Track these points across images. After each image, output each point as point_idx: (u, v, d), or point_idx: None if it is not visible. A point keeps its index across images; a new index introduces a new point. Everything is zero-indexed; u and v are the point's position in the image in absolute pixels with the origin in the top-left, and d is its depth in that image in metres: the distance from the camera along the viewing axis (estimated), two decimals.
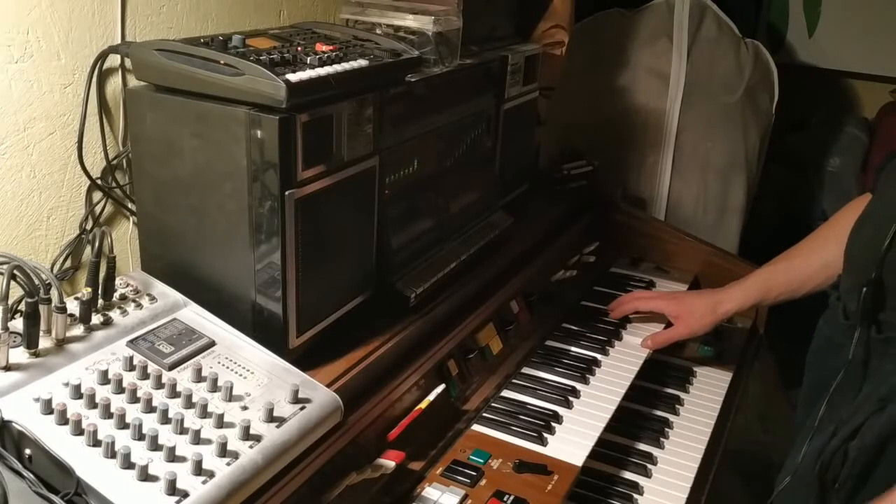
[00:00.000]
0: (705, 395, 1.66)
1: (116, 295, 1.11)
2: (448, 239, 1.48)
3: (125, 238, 1.34)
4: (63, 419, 0.90)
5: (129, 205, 1.31)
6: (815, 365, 1.44)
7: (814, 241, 1.58)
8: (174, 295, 1.14)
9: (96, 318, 1.05)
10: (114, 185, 1.29)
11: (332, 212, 1.16)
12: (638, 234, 2.08)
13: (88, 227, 1.26)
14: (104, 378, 0.96)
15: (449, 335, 1.39)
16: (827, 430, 1.30)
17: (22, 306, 0.96)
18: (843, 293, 1.33)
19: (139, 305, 1.10)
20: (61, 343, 1.00)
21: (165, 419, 0.94)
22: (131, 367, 0.99)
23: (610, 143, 2.37)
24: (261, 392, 1.02)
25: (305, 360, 1.14)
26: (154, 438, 0.90)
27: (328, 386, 1.09)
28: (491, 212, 1.63)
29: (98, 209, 1.29)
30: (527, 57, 1.73)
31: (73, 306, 1.03)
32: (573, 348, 1.64)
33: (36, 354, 0.97)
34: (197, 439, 0.92)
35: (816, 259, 1.53)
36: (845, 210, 1.52)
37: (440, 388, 1.31)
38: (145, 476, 0.86)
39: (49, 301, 0.98)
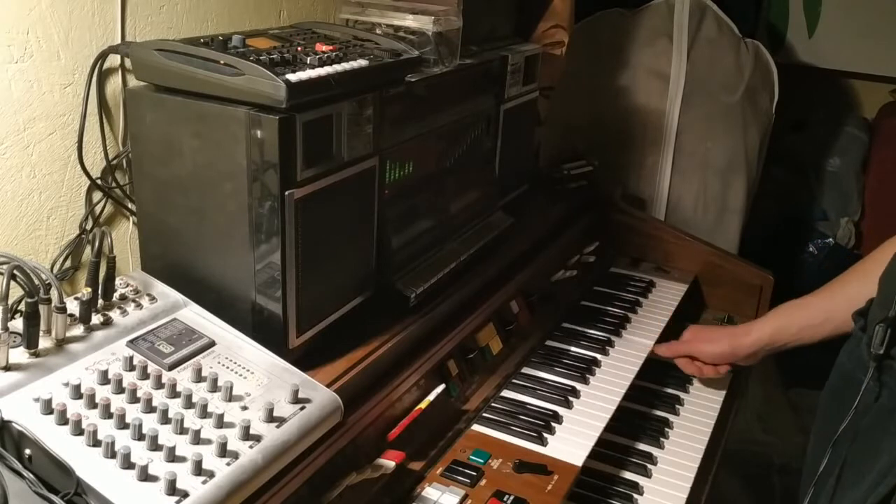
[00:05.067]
0: (705, 395, 1.66)
1: (116, 295, 1.11)
2: (448, 239, 1.48)
3: (125, 238, 1.34)
4: (63, 419, 0.90)
5: (129, 205, 1.32)
6: (833, 403, 1.33)
7: (840, 279, 1.51)
8: (174, 295, 1.14)
9: (96, 318, 1.05)
10: (114, 185, 1.29)
11: (332, 212, 1.16)
12: (638, 234, 2.08)
13: (88, 227, 1.27)
14: (104, 378, 0.96)
15: (449, 335, 1.39)
16: (858, 483, 1.20)
17: (22, 306, 0.96)
18: (871, 324, 1.25)
19: (139, 305, 1.10)
20: (61, 343, 1.00)
21: (165, 419, 0.94)
22: (131, 367, 0.99)
23: (610, 144, 2.37)
24: (261, 392, 1.02)
25: (305, 360, 1.14)
26: (154, 438, 0.90)
27: (328, 386, 1.09)
28: (491, 212, 1.63)
29: (98, 209, 1.29)
30: (527, 57, 1.73)
31: (73, 306, 1.03)
32: (573, 348, 1.64)
33: (36, 354, 0.97)
34: (197, 439, 0.92)
35: (840, 294, 1.45)
36: (880, 249, 1.43)
37: (440, 388, 1.31)
38: (145, 476, 0.86)
39: (49, 301, 0.98)
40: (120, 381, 0.96)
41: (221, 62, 1.06)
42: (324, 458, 1.06)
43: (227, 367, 1.05)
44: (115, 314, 1.07)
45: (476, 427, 1.36)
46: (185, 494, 0.86)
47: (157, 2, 1.30)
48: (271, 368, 1.07)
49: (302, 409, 1.02)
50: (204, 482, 0.88)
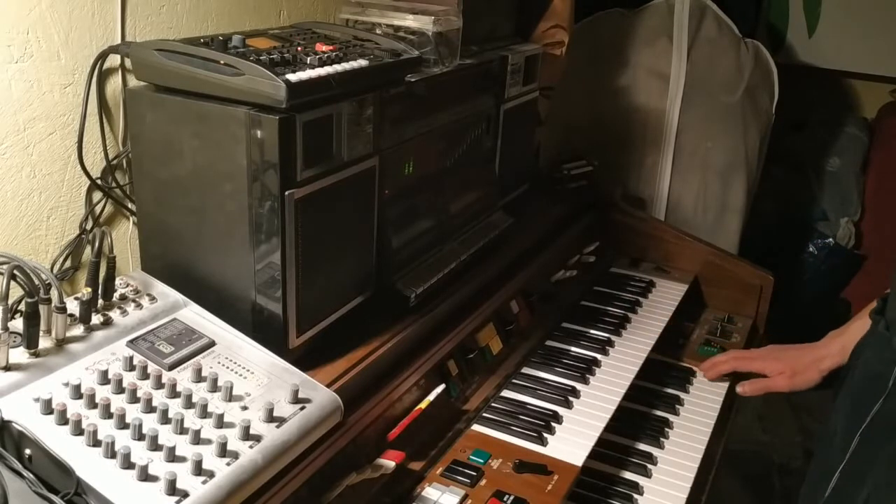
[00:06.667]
0: (705, 395, 1.66)
1: (116, 295, 1.11)
2: (448, 239, 1.48)
3: (125, 238, 1.34)
4: (63, 419, 0.90)
5: (129, 205, 1.32)
6: (860, 399, 1.31)
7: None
8: (174, 295, 1.14)
9: (96, 318, 1.05)
10: (114, 185, 1.29)
11: (332, 212, 1.16)
12: (638, 234, 2.08)
13: (88, 227, 1.27)
14: (104, 378, 0.96)
15: (449, 335, 1.39)
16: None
17: (22, 306, 0.96)
18: (892, 321, 1.26)
19: (139, 305, 1.10)
20: (61, 343, 1.00)
21: (165, 419, 0.94)
22: (131, 367, 0.99)
23: (610, 143, 2.37)
24: (261, 392, 1.02)
25: (305, 360, 1.14)
26: (154, 438, 0.90)
27: (328, 386, 1.09)
28: (491, 212, 1.63)
29: (98, 209, 1.29)
30: (527, 57, 1.73)
31: (73, 306, 1.03)
32: (573, 348, 1.64)
33: (36, 354, 0.97)
34: (197, 439, 0.92)
35: None
36: None
37: (440, 388, 1.31)
38: (145, 476, 0.86)
39: (49, 301, 0.98)
40: (120, 381, 0.96)
41: (221, 62, 1.06)
42: (324, 458, 1.06)
43: (227, 367, 1.05)
44: (115, 314, 1.07)
45: (476, 427, 1.36)
46: (185, 494, 0.86)
47: (157, 2, 1.30)
48: (271, 368, 1.07)
49: (302, 409, 1.02)
50: (204, 482, 0.88)
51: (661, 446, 1.48)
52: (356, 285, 1.26)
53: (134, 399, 0.95)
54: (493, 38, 1.71)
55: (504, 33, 1.78)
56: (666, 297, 1.90)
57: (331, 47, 1.19)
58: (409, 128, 1.36)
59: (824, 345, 1.58)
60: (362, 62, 1.16)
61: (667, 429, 1.53)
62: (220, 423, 0.95)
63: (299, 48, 1.17)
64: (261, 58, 1.06)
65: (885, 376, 1.25)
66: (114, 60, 1.25)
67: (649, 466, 1.42)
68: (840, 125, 3.15)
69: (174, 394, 0.98)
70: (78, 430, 0.89)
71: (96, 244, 1.06)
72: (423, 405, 1.27)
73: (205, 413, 0.96)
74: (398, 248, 1.33)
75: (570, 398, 1.46)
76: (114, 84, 1.27)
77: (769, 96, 2.52)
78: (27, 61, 1.14)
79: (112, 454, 0.87)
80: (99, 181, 1.27)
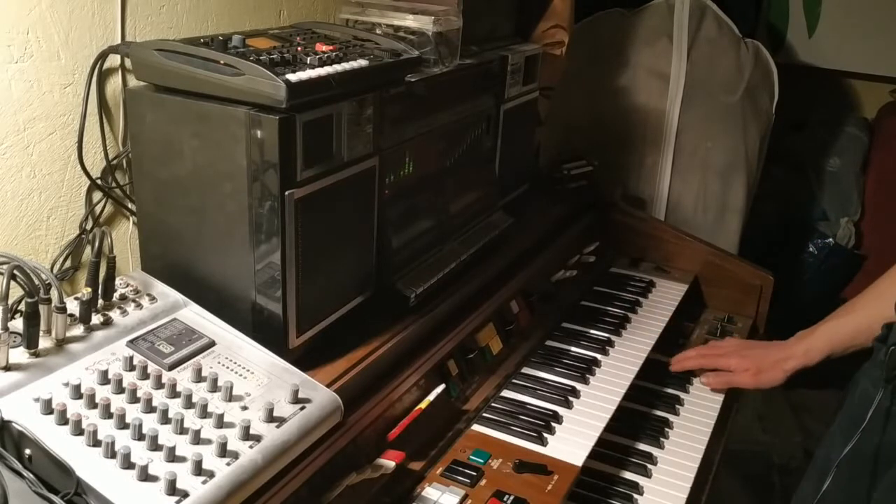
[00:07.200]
0: (705, 395, 1.66)
1: (116, 295, 1.11)
2: (448, 239, 1.48)
3: (125, 238, 1.34)
4: (63, 419, 0.90)
5: (129, 205, 1.32)
6: (849, 430, 1.29)
7: (877, 291, 1.48)
8: (174, 295, 1.14)
9: (96, 318, 1.05)
10: (114, 185, 1.29)
11: (332, 212, 1.16)
12: (638, 234, 2.08)
13: (88, 227, 1.27)
14: (104, 378, 0.96)
15: (449, 335, 1.39)
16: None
17: (22, 306, 0.96)
18: (889, 347, 1.24)
19: (139, 305, 1.10)
20: (61, 343, 1.00)
21: (165, 419, 0.94)
22: (131, 368, 0.99)
23: (610, 143, 2.37)
24: (261, 392, 1.02)
25: (305, 360, 1.14)
26: (154, 438, 0.90)
27: (328, 386, 1.09)
28: (491, 212, 1.63)
29: (98, 209, 1.29)
30: (527, 57, 1.73)
31: (73, 306, 1.03)
32: (573, 348, 1.64)
33: (36, 354, 0.97)
34: (197, 439, 0.92)
35: (876, 311, 1.40)
36: None
37: (440, 388, 1.31)
38: (145, 476, 0.86)
39: (49, 301, 0.98)
40: (120, 381, 0.96)
41: (221, 62, 1.07)
42: (324, 458, 1.06)
43: (227, 367, 1.05)
44: (115, 314, 1.07)
45: (476, 427, 1.36)
46: (185, 494, 0.86)
47: (157, 2, 1.30)
48: (271, 368, 1.07)
49: (302, 409, 1.02)
50: (204, 482, 0.88)
51: (661, 446, 1.48)
52: (356, 285, 1.26)
53: (134, 399, 0.95)
54: (493, 38, 1.72)
55: (504, 33, 1.78)
56: (666, 297, 1.90)
57: (331, 47, 1.19)
58: (409, 128, 1.36)
59: (790, 345, 1.59)
60: (362, 62, 1.16)
61: (667, 429, 1.53)
62: (220, 423, 0.95)
63: (299, 48, 1.17)
64: (261, 58, 1.06)
65: (869, 408, 1.24)
66: (114, 60, 1.25)
67: (649, 466, 1.42)
68: (840, 125, 3.16)
69: (174, 394, 0.98)
70: (78, 430, 0.89)
71: (96, 244, 1.06)
72: (423, 405, 1.27)
73: (205, 413, 0.96)
74: (398, 248, 1.33)
75: (570, 398, 1.46)
76: (114, 84, 1.27)
77: (769, 96, 2.52)
78: (27, 61, 1.14)
79: (112, 454, 0.87)
80: (99, 181, 1.27)
